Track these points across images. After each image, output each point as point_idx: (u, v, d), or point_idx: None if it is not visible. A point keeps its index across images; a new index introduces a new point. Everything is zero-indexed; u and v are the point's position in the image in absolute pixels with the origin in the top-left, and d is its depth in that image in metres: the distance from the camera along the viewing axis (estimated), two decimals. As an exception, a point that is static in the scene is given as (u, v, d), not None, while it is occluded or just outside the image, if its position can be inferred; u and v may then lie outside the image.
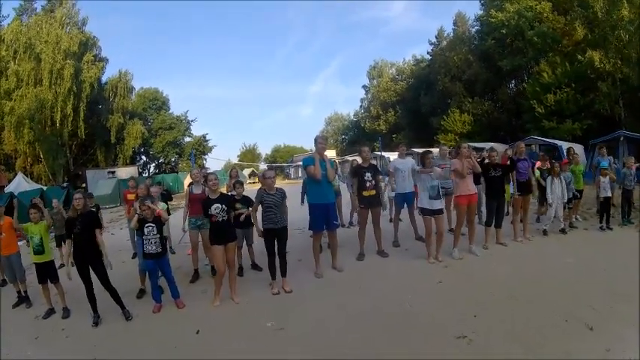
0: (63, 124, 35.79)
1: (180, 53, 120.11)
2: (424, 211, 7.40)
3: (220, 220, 6.04)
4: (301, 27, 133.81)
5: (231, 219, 6.20)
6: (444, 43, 48.83)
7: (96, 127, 41.28)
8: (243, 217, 6.79)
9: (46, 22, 36.76)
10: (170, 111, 58.71)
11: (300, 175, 49.19)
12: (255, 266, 7.83)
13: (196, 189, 7.67)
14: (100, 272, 5.87)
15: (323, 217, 7.02)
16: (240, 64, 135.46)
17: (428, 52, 52.05)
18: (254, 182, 46.28)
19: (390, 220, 10.06)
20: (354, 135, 71.32)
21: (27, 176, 30.50)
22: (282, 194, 6.45)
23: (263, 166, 67.26)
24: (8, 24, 36.69)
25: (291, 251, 7.24)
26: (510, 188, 9.22)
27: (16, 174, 28.37)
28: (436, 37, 51.02)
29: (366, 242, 8.11)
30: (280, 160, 69.46)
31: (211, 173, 6.60)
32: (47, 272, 6.33)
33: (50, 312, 6.29)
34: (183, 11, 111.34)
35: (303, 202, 9.24)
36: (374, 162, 8.78)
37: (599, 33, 27.38)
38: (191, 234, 7.56)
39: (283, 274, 6.55)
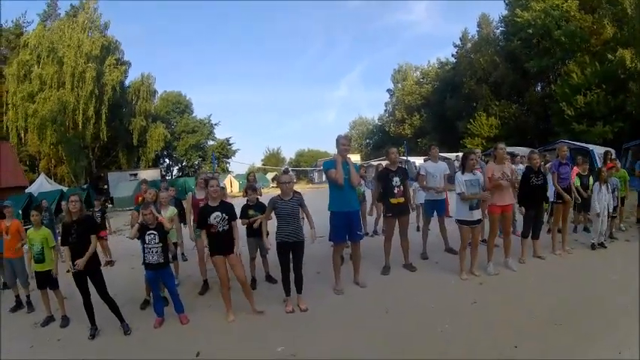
0: (85, 126, 36.16)
1: (204, 59, 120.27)
2: (463, 222, 6.60)
3: (221, 230, 5.43)
4: (324, 32, 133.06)
5: (232, 230, 5.54)
6: (469, 45, 48.36)
7: (118, 130, 41.44)
8: (257, 223, 6.36)
9: (69, 27, 37.12)
10: (193, 114, 58.90)
11: (324, 179, 48.51)
12: (269, 278, 7.15)
13: (200, 194, 7.15)
14: (97, 283, 5.45)
15: (345, 226, 6.23)
16: (264, 70, 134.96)
17: (452, 55, 51.66)
18: (276, 186, 45.77)
19: (418, 229, 9.39)
20: (379, 139, 70.48)
21: (50, 177, 30.80)
22: (298, 201, 5.74)
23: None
24: (33, 29, 37.45)
25: (308, 262, 6.46)
26: (550, 195, 8.22)
27: (39, 175, 28.53)
28: (460, 39, 50.56)
29: (392, 254, 7.30)
30: (304, 164, 68.89)
31: (213, 177, 5.93)
32: (47, 280, 6.02)
33: (49, 320, 6.02)
34: (208, 18, 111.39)
35: None
36: (402, 165, 7.95)
37: (629, 31, 26.71)
38: (198, 242, 6.94)
39: (299, 290, 5.84)
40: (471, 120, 38.64)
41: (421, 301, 5.83)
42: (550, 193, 8.07)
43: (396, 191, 6.93)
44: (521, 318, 5.07)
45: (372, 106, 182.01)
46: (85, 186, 28.52)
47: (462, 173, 6.57)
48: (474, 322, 5.06)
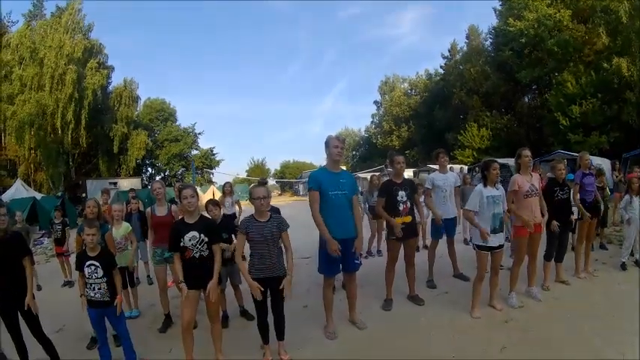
0: (64, 131, 34.66)
1: (189, 69, 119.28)
2: (481, 248, 5.34)
3: (198, 256, 4.15)
4: (309, 46, 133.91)
5: (214, 256, 4.24)
6: (458, 56, 48.23)
7: (99, 136, 39.97)
8: (228, 253, 5.21)
9: (51, 27, 35.91)
10: (177, 123, 57.29)
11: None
12: (244, 314, 5.82)
13: (160, 209, 5.76)
14: (29, 318, 4.23)
15: (338, 256, 4.75)
16: (251, 80, 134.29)
17: (441, 66, 51.32)
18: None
19: (418, 249, 8.03)
20: (366, 151, 70.14)
21: (29, 184, 29.45)
22: (277, 223, 4.32)
23: (271, 181, 65.96)
24: (17, 30, 36.24)
25: (293, 292, 4.73)
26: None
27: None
28: (449, 50, 50.42)
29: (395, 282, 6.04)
30: (289, 175, 68.21)
31: (188, 186, 4.45)
32: None
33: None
34: (194, 27, 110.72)
35: None
36: (423, 176, 6.71)
37: (623, 40, 26.43)
38: (157, 270, 5.66)
39: (280, 336, 4.47)
40: (462, 131, 38.14)
41: (437, 349, 4.58)
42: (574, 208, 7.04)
43: (401, 208, 5.68)
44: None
45: (358, 118, 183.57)
46: (59, 194, 27.24)
47: (485, 186, 5.35)
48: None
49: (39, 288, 7.85)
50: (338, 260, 4.83)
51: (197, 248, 4.15)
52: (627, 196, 7.28)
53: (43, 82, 33.73)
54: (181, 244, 4.14)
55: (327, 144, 4.97)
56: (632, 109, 25.02)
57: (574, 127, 27.19)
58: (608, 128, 26.21)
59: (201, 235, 4.17)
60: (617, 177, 12.43)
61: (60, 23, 36.51)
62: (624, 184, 11.32)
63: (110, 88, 43.18)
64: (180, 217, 4.54)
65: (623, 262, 7.16)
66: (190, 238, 4.13)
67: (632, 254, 7.40)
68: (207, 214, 5.36)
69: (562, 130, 27.82)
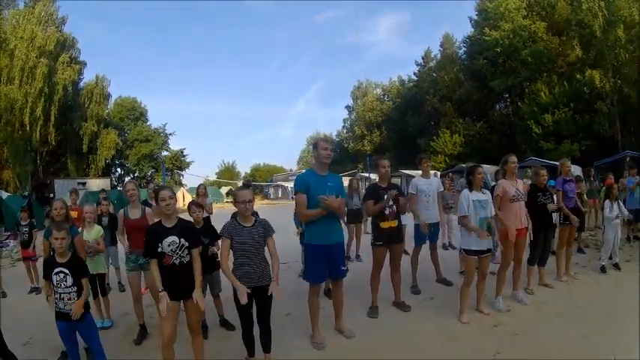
0: (32, 127, 33.52)
1: (161, 67, 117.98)
2: (469, 252, 5.30)
3: (178, 263, 3.75)
4: (285, 49, 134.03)
5: (193, 262, 3.83)
6: (432, 63, 48.93)
7: (68, 134, 39.05)
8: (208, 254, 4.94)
9: (24, 18, 34.67)
10: (148, 123, 56.16)
11: (280, 195, 47.66)
12: (224, 323, 5.44)
13: (133, 212, 5.39)
14: None
15: (325, 262, 4.66)
16: (223, 82, 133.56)
17: (414, 73, 52.08)
18: (231, 201, 44.34)
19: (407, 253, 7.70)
20: (337, 155, 69.88)
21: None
22: (263, 228, 4.07)
23: (241, 184, 65.43)
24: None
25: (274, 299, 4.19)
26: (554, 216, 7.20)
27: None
28: (423, 57, 51.15)
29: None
30: (260, 179, 67.83)
31: (165, 187, 4.09)
32: None
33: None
34: (167, 26, 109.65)
35: (299, 228, 6.93)
36: (395, 181, 6.55)
37: (596, 53, 27.47)
38: (130, 277, 5.22)
39: (266, 348, 4.17)
40: (435, 137, 38.57)
41: (430, 357, 4.37)
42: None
43: (387, 212, 5.52)
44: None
45: (330, 122, 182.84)
46: (26, 193, 26.37)
47: (470, 191, 5.34)
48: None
49: (4, 295, 7.40)
50: (323, 267, 4.67)
51: (177, 254, 3.76)
52: (607, 202, 7.46)
53: (12, 74, 32.62)
54: (159, 249, 3.73)
55: (315, 146, 4.81)
56: (603, 119, 25.85)
57: (546, 135, 27.94)
58: (579, 137, 26.98)
59: (181, 239, 3.78)
60: (590, 184, 12.63)
61: (33, 14, 35.32)
62: (598, 191, 11.60)
63: (81, 84, 42.30)
64: (156, 220, 4.13)
65: (603, 265, 7.36)
66: (169, 243, 3.73)
67: (610, 257, 7.55)
68: (187, 217, 4.93)
69: (534, 137, 28.54)
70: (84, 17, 77.60)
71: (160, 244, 3.72)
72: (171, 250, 3.73)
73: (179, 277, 3.75)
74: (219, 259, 4.09)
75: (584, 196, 9.23)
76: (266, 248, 4.10)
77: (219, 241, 4.25)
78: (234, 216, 4.25)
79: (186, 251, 3.80)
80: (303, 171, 5.75)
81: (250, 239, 3.95)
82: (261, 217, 4.33)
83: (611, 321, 5.02)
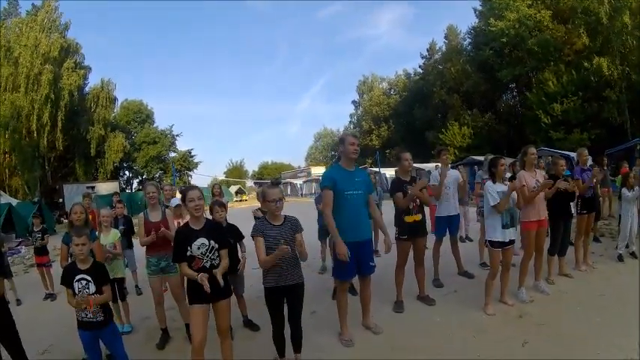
0: (39, 133, 33.51)
1: (166, 69, 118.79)
2: (494, 244, 5.24)
3: (208, 266, 3.64)
4: (288, 46, 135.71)
5: (221, 261, 3.73)
6: (437, 56, 48.69)
7: (75, 139, 39.06)
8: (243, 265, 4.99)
9: (27, 26, 34.73)
10: (155, 125, 56.40)
11: (289, 192, 47.58)
12: (249, 324, 5.33)
13: (154, 214, 5.13)
14: (8, 339, 3.79)
15: (354, 258, 4.47)
16: (228, 82, 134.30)
17: (420, 66, 51.87)
18: (240, 200, 44.49)
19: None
20: (345, 150, 69.96)
21: (3, 189, 28.59)
22: (293, 226, 3.96)
23: (249, 183, 65.43)
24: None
25: None
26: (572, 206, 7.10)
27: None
28: (427, 50, 50.89)
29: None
30: (268, 177, 67.93)
31: (193, 187, 3.94)
32: None
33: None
34: (171, 28, 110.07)
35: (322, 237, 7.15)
36: (415, 174, 6.45)
37: (603, 40, 27.23)
38: (152, 281, 5.03)
39: (297, 348, 4.09)
40: (443, 130, 38.34)
41: (460, 348, 4.36)
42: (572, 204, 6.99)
43: (411, 206, 5.47)
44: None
45: (336, 118, 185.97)
46: (36, 199, 26.42)
47: (494, 182, 5.28)
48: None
49: (18, 302, 7.24)
50: (353, 264, 4.52)
51: (207, 257, 3.65)
52: (624, 190, 7.37)
53: (17, 82, 32.61)
54: (188, 252, 3.63)
55: (342, 141, 4.74)
56: (612, 107, 25.65)
57: (555, 125, 27.72)
58: (589, 125, 26.71)
59: (211, 241, 3.67)
60: (604, 173, 12.48)
61: (36, 21, 35.39)
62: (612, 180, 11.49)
63: (87, 89, 42.33)
64: (184, 222, 4.02)
65: (620, 254, 7.29)
66: (199, 245, 3.62)
67: (627, 246, 7.48)
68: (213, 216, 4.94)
69: (543, 127, 28.32)
70: (87, 22, 78.02)
71: (189, 247, 3.62)
72: (202, 252, 3.63)
73: (209, 281, 3.54)
74: (257, 257, 3.90)
75: (598, 186, 9.15)
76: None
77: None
78: (261, 215, 4.19)
79: (216, 253, 3.70)
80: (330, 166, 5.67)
81: (281, 237, 3.81)
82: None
83: (631, 309, 4.95)
